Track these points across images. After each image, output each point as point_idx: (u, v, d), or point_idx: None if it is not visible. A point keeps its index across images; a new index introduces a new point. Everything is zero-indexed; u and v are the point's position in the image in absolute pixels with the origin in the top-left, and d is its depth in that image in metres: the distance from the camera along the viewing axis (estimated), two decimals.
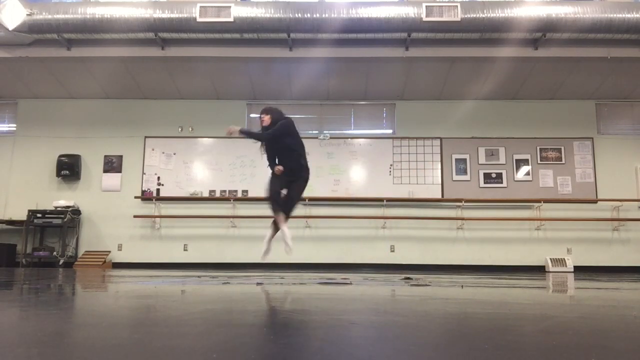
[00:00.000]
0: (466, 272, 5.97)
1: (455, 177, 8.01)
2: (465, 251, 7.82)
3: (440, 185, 7.98)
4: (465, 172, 8.03)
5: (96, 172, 8.19)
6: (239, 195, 7.93)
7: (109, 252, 7.87)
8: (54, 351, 0.75)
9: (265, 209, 7.78)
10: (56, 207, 7.70)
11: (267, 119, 4.74)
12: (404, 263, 7.69)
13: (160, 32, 6.88)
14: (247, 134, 4.72)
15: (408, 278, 3.38)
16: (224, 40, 7.03)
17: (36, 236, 8.02)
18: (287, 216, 4.90)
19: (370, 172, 8.05)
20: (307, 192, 7.94)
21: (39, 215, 7.67)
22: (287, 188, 4.78)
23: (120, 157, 8.21)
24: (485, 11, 6.64)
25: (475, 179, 8.01)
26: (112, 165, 8.21)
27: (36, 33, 6.90)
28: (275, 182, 4.78)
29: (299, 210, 7.92)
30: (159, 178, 8.11)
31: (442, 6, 6.68)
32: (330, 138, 8.17)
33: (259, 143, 4.75)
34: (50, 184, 8.13)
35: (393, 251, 7.86)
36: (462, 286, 2.50)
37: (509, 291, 2.31)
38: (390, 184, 7.99)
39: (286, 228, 4.67)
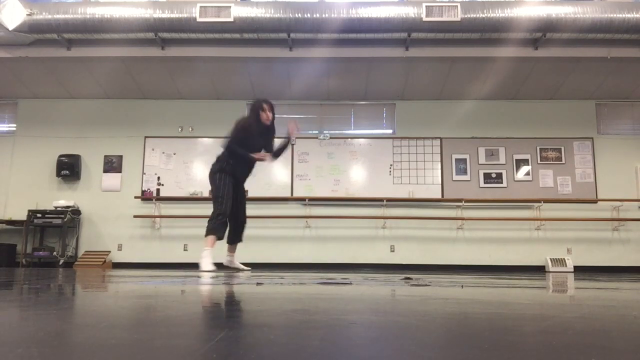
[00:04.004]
0: (466, 272, 5.96)
1: (455, 177, 8.02)
2: (465, 251, 7.82)
3: (440, 185, 7.98)
4: (465, 172, 8.04)
5: (96, 172, 8.19)
6: None
7: (109, 252, 7.87)
8: (54, 351, 0.75)
9: (265, 209, 7.83)
10: (56, 207, 7.71)
11: (271, 118, 4.54)
12: (404, 263, 7.70)
13: (160, 32, 6.89)
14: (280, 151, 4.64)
15: (408, 278, 3.38)
16: (224, 40, 7.04)
17: (36, 236, 8.02)
18: (239, 241, 4.69)
19: (370, 172, 8.05)
20: (307, 192, 8.01)
21: (39, 215, 7.67)
22: (235, 197, 4.50)
23: (120, 157, 8.22)
24: (485, 11, 6.64)
25: (475, 179, 8.02)
26: (112, 165, 8.21)
27: (36, 33, 6.90)
28: (231, 189, 4.44)
29: (297, 210, 7.98)
30: (159, 178, 8.12)
31: (442, 6, 6.68)
32: (330, 138, 8.18)
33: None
34: (50, 184, 8.14)
35: (393, 251, 7.86)
36: (462, 286, 2.50)
37: (509, 291, 2.30)
38: (390, 184, 8.00)
39: (209, 259, 4.23)
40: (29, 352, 0.71)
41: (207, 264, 4.30)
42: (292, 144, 4.80)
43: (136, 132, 8.25)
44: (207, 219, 4.49)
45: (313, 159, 8.11)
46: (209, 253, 4.34)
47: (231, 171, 4.52)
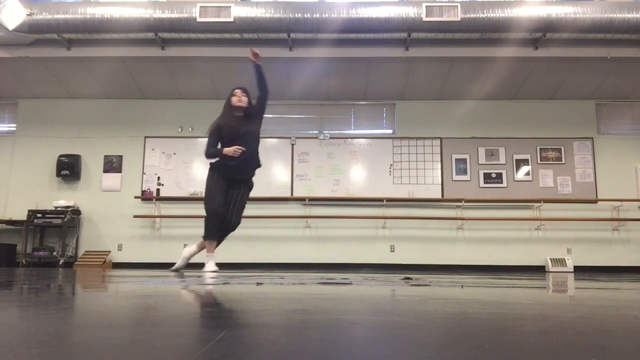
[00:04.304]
0: (466, 272, 5.96)
1: (455, 177, 8.02)
2: (465, 251, 7.82)
3: (440, 185, 7.98)
4: (465, 172, 8.04)
5: (96, 172, 8.20)
6: None
7: (109, 252, 7.87)
8: (54, 351, 0.75)
9: (265, 209, 7.83)
10: (56, 207, 7.71)
11: (245, 100, 4.33)
12: (404, 263, 7.70)
13: (160, 32, 6.89)
14: (261, 70, 4.38)
15: (408, 278, 3.38)
16: (224, 40, 7.04)
17: (36, 236, 8.02)
18: (220, 242, 4.27)
19: (370, 172, 8.05)
20: (307, 192, 8.01)
21: (39, 215, 7.67)
22: (227, 197, 4.16)
23: (120, 157, 8.22)
24: (485, 11, 6.64)
25: (475, 179, 8.02)
26: (112, 165, 8.22)
27: (36, 33, 6.90)
28: (220, 186, 4.12)
29: (297, 210, 7.98)
30: (159, 178, 8.12)
31: (442, 6, 6.68)
32: (330, 138, 8.18)
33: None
34: (50, 184, 8.14)
35: (393, 251, 7.86)
36: (462, 286, 2.50)
37: (509, 291, 2.30)
38: (390, 184, 8.00)
39: (213, 262, 4.08)
40: (29, 352, 0.71)
41: (210, 266, 4.20)
42: (259, 66, 4.45)
43: (136, 132, 8.25)
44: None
45: (313, 159, 8.11)
46: (211, 258, 4.21)
47: (220, 167, 4.21)
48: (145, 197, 8.04)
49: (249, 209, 7.92)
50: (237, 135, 4.21)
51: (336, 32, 6.80)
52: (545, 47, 7.07)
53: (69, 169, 8.00)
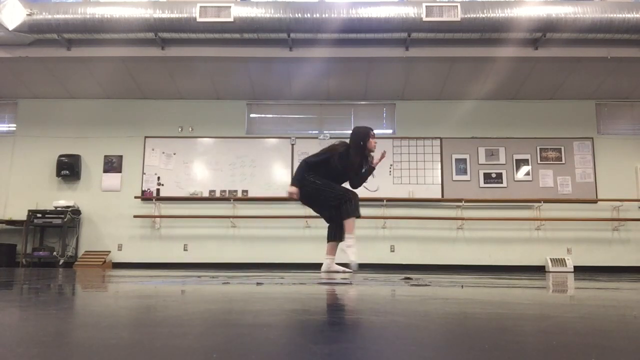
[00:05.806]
0: (466, 272, 5.96)
1: (455, 177, 8.02)
2: (465, 251, 7.82)
3: (440, 185, 7.98)
4: (465, 172, 8.04)
5: (96, 172, 8.19)
6: (239, 195, 7.93)
7: (109, 252, 7.87)
8: (54, 351, 0.75)
9: (265, 209, 7.83)
10: (56, 207, 7.71)
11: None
12: (404, 263, 7.70)
13: (160, 32, 6.89)
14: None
15: (408, 278, 3.38)
16: (224, 40, 7.04)
17: (36, 236, 8.02)
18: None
19: None
20: None
21: (39, 215, 7.67)
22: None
23: (120, 157, 8.22)
24: (485, 11, 6.64)
25: (475, 179, 8.02)
26: (112, 165, 8.21)
27: (36, 33, 6.90)
28: (327, 181, 4.36)
29: (297, 210, 7.97)
30: (159, 178, 8.12)
31: (442, 6, 6.68)
32: (330, 138, 8.17)
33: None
34: (50, 184, 8.14)
35: (393, 251, 7.86)
36: (462, 286, 2.50)
37: (509, 291, 2.30)
38: (391, 184, 8.00)
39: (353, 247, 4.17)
40: (29, 352, 0.71)
41: (354, 253, 4.19)
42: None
43: (136, 132, 8.24)
44: (336, 205, 4.29)
45: None
46: (354, 241, 4.22)
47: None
48: (145, 197, 8.03)
49: (250, 210, 7.95)
50: (349, 172, 4.47)
51: (336, 32, 6.80)
52: (545, 47, 7.07)
53: (69, 169, 8.00)
